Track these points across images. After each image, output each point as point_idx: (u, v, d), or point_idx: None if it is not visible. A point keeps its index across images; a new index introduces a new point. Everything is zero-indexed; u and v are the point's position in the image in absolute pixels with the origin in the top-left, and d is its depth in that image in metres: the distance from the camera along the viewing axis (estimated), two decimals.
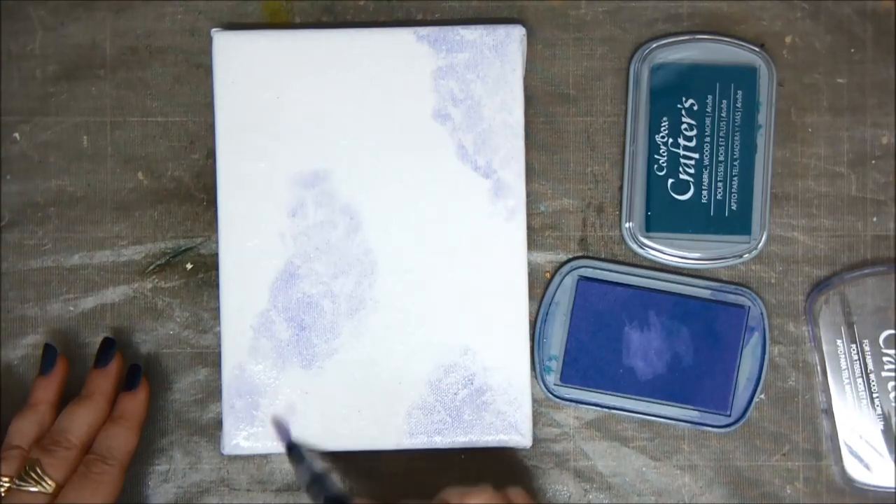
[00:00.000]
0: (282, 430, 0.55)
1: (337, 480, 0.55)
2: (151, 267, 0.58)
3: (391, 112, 0.56)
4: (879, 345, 0.56)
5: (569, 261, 0.58)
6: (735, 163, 0.57)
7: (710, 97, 0.57)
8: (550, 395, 0.57)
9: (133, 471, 0.57)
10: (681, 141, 0.57)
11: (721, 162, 0.57)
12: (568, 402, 0.57)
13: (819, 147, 0.58)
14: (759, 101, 0.57)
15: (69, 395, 0.55)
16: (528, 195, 0.56)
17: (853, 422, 0.57)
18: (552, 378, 0.57)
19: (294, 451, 0.54)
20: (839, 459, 0.57)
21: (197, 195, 0.58)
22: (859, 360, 0.56)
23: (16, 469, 0.51)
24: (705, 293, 0.57)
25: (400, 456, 0.57)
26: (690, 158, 0.57)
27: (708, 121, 0.57)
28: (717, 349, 0.56)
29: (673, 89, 0.57)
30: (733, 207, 0.57)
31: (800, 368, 0.58)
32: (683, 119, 0.57)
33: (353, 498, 0.51)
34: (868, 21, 0.58)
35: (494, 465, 0.57)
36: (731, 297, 0.57)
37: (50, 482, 0.51)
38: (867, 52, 0.58)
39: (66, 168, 0.58)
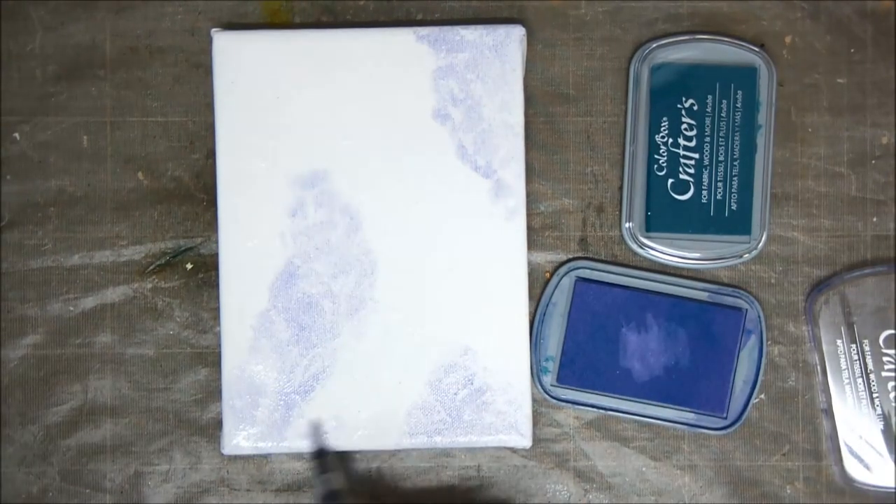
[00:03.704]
0: (317, 433, 0.55)
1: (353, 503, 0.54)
2: (151, 267, 0.58)
3: (391, 112, 0.56)
4: (879, 345, 0.56)
5: (566, 262, 0.58)
6: (735, 163, 0.57)
7: (710, 97, 0.57)
8: (547, 396, 0.57)
9: (133, 471, 0.57)
10: (681, 141, 0.57)
11: (721, 162, 0.57)
12: (564, 404, 0.57)
13: (819, 147, 0.58)
14: (759, 101, 0.57)
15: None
16: (528, 195, 0.56)
17: (853, 422, 0.56)
18: (549, 379, 0.57)
19: (323, 458, 0.54)
20: (839, 459, 0.57)
21: (197, 195, 0.58)
22: (859, 360, 0.56)
23: None
24: (703, 295, 0.57)
25: (401, 457, 0.57)
26: (690, 158, 0.57)
27: (708, 121, 0.57)
28: (713, 352, 0.56)
29: (673, 89, 0.57)
30: (733, 207, 0.57)
31: (800, 368, 0.58)
32: (683, 119, 0.57)
33: None
34: (868, 21, 0.58)
35: (494, 464, 0.57)
36: (729, 300, 0.57)
37: None
38: (867, 52, 0.58)
39: (66, 168, 0.58)
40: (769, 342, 0.57)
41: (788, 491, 0.57)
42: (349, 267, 0.55)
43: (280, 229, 0.55)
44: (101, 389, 0.57)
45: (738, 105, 0.57)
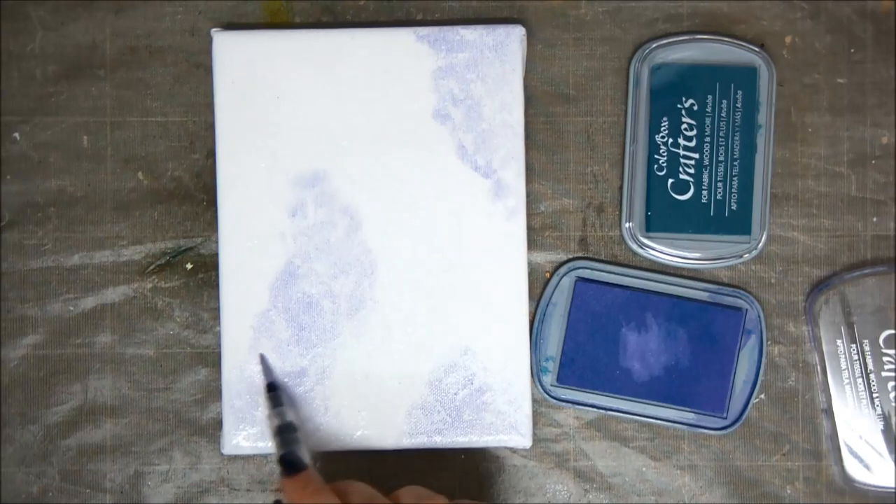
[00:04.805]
0: (267, 367, 0.55)
1: (304, 441, 0.53)
2: (151, 267, 0.58)
3: (391, 112, 0.56)
4: (879, 345, 0.56)
5: (566, 262, 0.58)
6: (735, 163, 0.57)
7: (710, 97, 0.57)
8: (547, 396, 0.57)
9: (133, 471, 0.57)
10: (681, 141, 0.57)
11: (721, 162, 0.57)
12: (564, 403, 0.57)
13: (819, 147, 0.58)
14: (759, 101, 0.57)
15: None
16: (528, 195, 0.56)
17: (853, 422, 0.56)
18: (549, 379, 0.57)
19: (274, 392, 0.54)
20: (839, 459, 0.57)
21: (197, 195, 0.58)
22: (859, 360, 0.56)
23: None
24: (703, 295, 0.57)
25: (400, 456, 0.57)
26: (690, 158, 0.57)
27: (708, 121, 0.57)
28: (714, 352, 0.56)
29: (673, 89, 0.57)
30: (733, 207, 0.57)
31: (800, 368, 0.58)
32: (683, 119, 0.57)
33: (307, 465, 0.50)
34: (868, 21, 0.58)
35: (494, 464, 0.57)
36: (729, 300, 0.57)
37: None
38: (867, 52, 0.58)
39: (66, 168, 0.58)
40: (769, 342, 0.57)
41: (788, 491, 0.57)
42: (349, 267, 0.55)
43: (280, 229, 0.55)
44: (101, 389, 0.57)
45: (738, 105, 0.57)
